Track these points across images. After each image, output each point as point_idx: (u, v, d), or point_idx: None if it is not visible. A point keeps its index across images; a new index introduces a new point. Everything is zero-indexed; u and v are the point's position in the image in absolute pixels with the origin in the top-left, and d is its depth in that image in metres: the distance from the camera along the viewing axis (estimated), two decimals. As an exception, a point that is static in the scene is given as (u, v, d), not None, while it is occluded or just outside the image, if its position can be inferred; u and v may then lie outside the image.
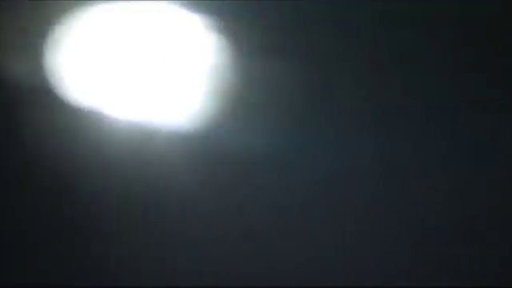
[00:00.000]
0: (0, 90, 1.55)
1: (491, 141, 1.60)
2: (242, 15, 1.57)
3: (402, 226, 1.58)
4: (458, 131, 1.60)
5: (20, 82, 1.55)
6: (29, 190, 1.57)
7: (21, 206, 1.57)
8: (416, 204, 1.58)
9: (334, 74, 1.59)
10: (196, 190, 1.57)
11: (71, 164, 1.56)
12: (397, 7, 1.59)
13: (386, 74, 1.60)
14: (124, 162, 1.56)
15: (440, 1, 1.60)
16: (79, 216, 1.56)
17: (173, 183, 1.56)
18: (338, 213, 1.58)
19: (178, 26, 1.59)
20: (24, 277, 1.55)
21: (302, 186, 1.58)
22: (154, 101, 1.58)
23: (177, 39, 1.59)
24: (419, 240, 1.58)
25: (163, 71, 1.58)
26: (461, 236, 1.57)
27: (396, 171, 1.59)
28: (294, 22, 1.58)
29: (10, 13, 1.55)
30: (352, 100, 1.59)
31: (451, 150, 1.60)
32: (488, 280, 1.56)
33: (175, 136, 1.57)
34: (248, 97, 1.57)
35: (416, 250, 1.58)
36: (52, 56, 1.56)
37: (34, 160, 1.56)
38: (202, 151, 1.57)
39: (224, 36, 1.57)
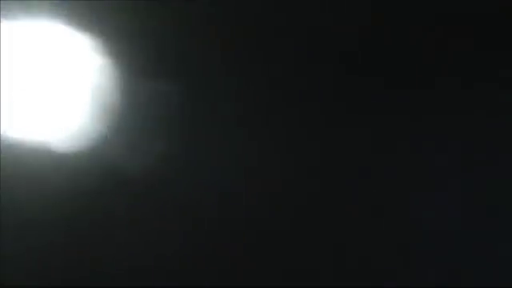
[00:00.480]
0: None
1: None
2: (126, 37, 1.60)
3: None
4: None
5: None
6: None
7: None
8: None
9: (213, 91, 1.63)
10: (82, 208, 1.57)
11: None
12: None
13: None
14: (7, 180, 1.56)
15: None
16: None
17: (56, 202, 1.57)
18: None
19: (63, 47, 1.60)
20: None
21: (189, 203, 1.59)
22: (39, 120, 1.58)
23: (61, 59, 1.59)
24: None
25: (47, 91, 1.58)
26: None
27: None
28: (175, 44, 1.63)
29: None
30: (232, 113, 1.63)
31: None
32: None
33: (59, 155, 1.57)
34: (130, 116, 1.59)
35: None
36: None
37: None
38: (86, 170, 1.58)
39: (108, 57, 1.60)
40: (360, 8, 1.65)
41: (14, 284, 1.53)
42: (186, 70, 1.62)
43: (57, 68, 1.59)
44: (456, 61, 1.65)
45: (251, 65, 1.63)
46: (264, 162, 1.60)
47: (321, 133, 1.63)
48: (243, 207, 1.59)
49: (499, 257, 1.59)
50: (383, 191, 1.61)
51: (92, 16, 1.59)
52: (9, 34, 1.58)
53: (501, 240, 1.60)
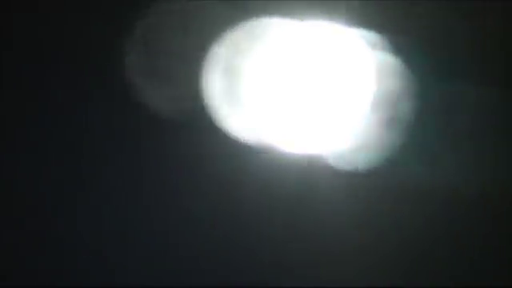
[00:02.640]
0: (152, 121, 1.50)
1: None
2: (416, 37, 1.51)
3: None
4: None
5: (174, 111, 1.50)
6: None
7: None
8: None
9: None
10: (361, 225, 1.52)
11: (231, 193, 1.51)
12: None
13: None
14: (286, 196, 1.51)
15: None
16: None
17: (335, 218, 1.51)
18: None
19: (348, 49, 1.50)
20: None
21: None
22: (317, 133, 1.51)
23: (347, 63, 1.50)
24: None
25: (333, 96, 1.50)
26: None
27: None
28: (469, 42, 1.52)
29: (167, 40, 1.50)
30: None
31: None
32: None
33: (338, 170, 1.51)
34: (426, 124, 1.52)
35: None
36: (208, 84, 1.49)
37: (197, 189, 1.52)
38: (367, 184, 1.51)
39: (397, 59, 1.50)
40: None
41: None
42: (480, 70, 1.52)
43: (344, 72, 1.51)
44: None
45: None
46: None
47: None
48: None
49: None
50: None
51: (381, 15, 1.50)
52: (294, 36, 1.51)
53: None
